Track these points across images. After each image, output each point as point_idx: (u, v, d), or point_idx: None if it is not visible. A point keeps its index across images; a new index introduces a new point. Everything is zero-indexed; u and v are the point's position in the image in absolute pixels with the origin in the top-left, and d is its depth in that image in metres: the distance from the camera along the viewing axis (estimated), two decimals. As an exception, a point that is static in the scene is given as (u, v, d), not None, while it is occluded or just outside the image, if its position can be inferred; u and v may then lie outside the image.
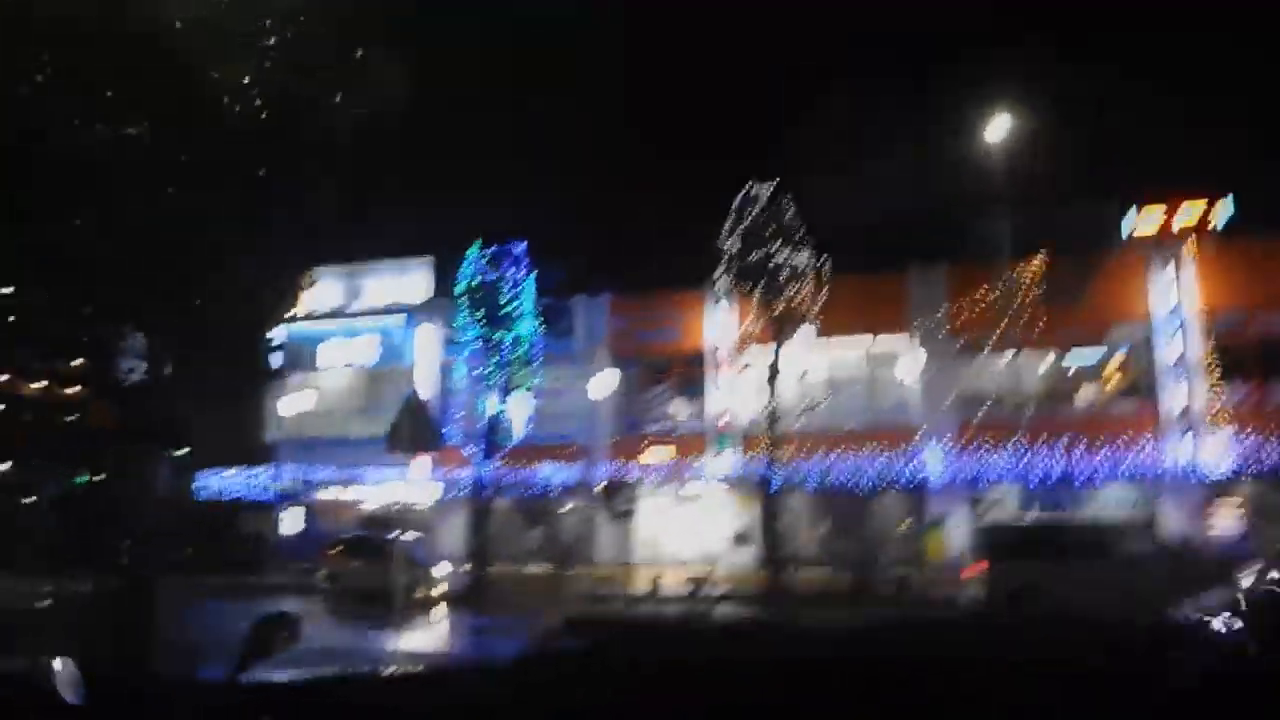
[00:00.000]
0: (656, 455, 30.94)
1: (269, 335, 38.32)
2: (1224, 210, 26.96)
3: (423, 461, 33.17)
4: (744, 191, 26.35)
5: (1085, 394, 28.48)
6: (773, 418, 26.34)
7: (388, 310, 35.83)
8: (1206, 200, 27.06)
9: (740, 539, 29.15)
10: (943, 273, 29.00)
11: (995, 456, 27.04)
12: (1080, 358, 28.74)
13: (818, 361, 28.20)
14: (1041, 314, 27.06)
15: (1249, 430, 25.21)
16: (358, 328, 36.34)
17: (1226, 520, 25.67)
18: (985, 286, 27.54)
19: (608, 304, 32.83)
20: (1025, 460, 26.54)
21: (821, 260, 26.05)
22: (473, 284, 29.63)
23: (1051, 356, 28.59)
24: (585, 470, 30.87)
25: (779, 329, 26.29)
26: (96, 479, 43.31)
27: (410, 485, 33.32)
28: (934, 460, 27.81)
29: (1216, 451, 25.50)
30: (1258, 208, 26.80)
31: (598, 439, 31.75)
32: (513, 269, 29.95)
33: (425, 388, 34.03)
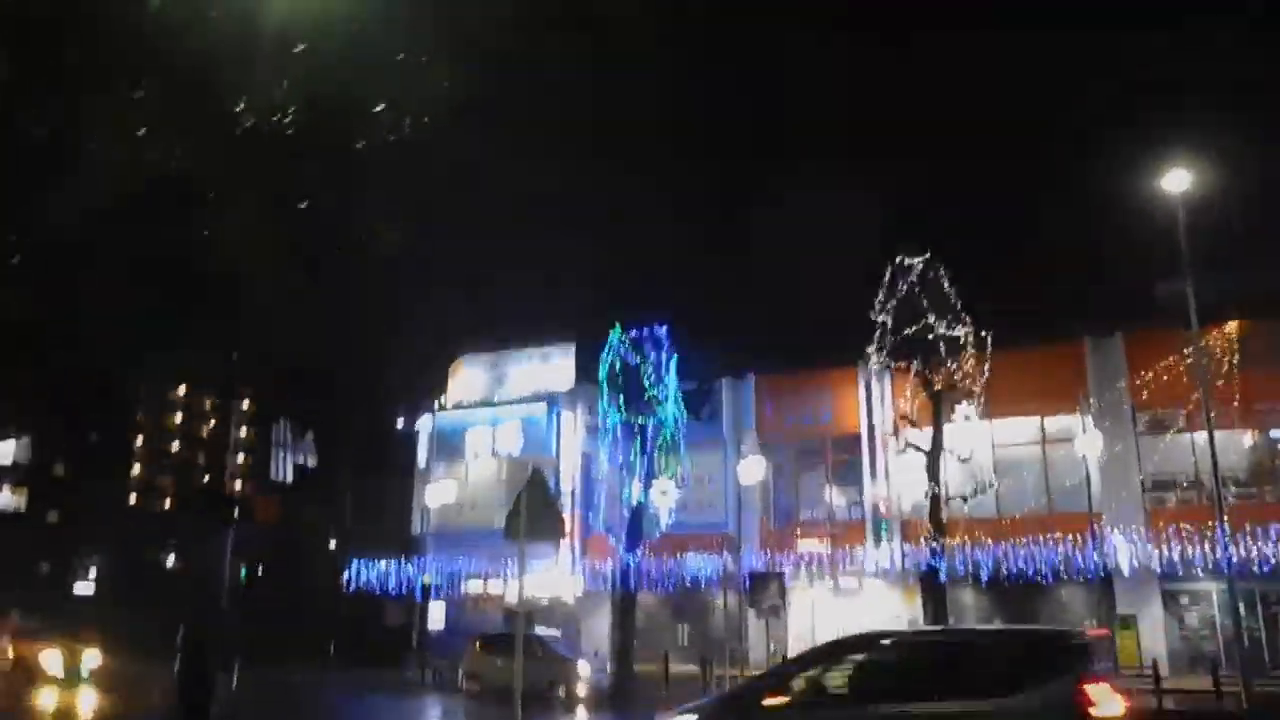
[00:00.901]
0: (810, 545, 29.21)
1: (415, 427, 38.95)
2: None
3: (566, 554, 32.44)
4: (895, 262, 25.11)
5: (1293, 474, 25.45)
6: (935, 503, 24.49)
7: (532, 398, 35.59)
8: None
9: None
10: (1120, 342, 26.69)
11: (1191, 545, 24.25)
12: (1283, 433, 25.81)
13: (984, 442, 26.23)
14: (1238, 386, 24.48)
15: None
16: (502, 416, 36.19)
17: None
18: (1171, 356, 25.19)
19: (754, 385, 31.66)
20: (1231, 549, 23.67)
21: (983, 333, 24.38)
22: (614, 368, 29.10)
23: (1252, 432, 25.76)
24: (733, 561, 29.36)
25: (939, 406, 24.62)
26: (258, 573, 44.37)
27: (556, 578, 32.47)
28: (1120, 549, 25.16)
29: None
30: None
31: (747, 528, 30.25)
32: (655, 351, 29.30)
33: (561, 474, 33.49)
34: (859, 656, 8.92)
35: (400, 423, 39.95)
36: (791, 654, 28.51)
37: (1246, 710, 19.44)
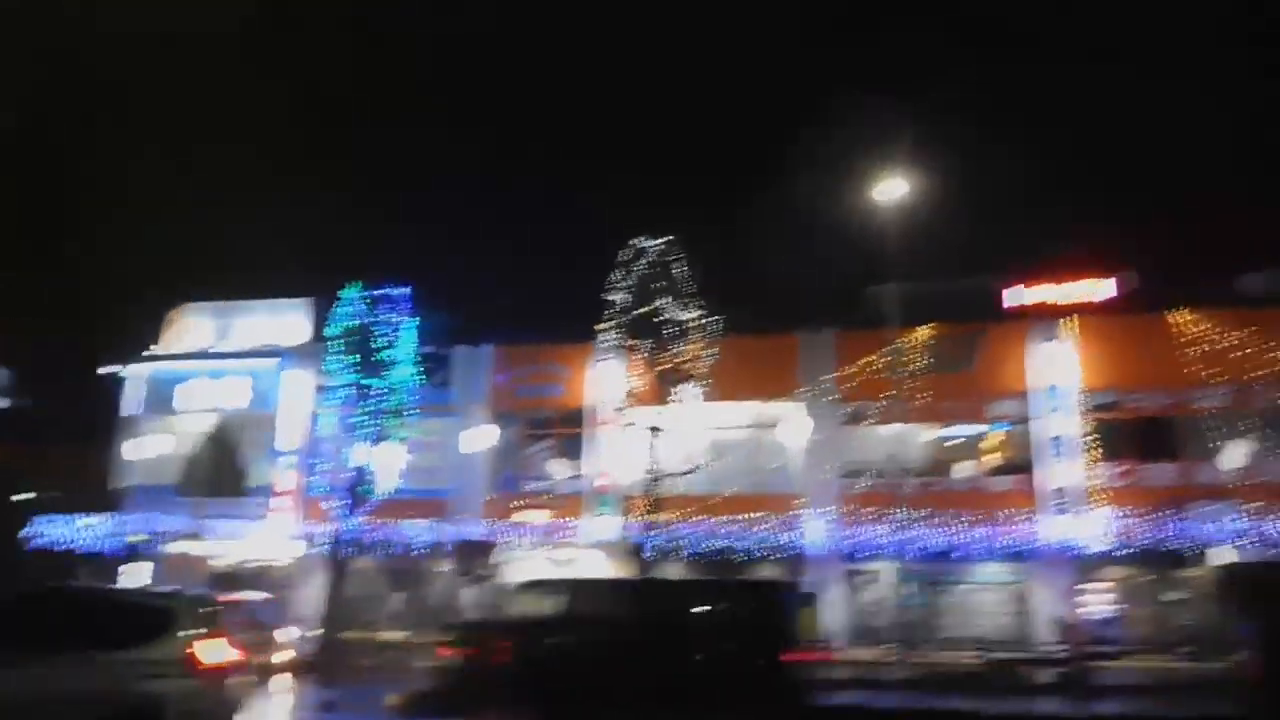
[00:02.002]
0: (531, 515, 29.54)
1: (125, 374, 36.14)
2: (1105, 289, 27.38)
3: (282, 515, 31.25)
4: (633, 244, 25.83)
5: (966, 467, 28.24)
6: (653, 479, 25.47)
7: (260, 353, 33.87)
8: (1090, 279, 27.50)
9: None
10: (831, 339, 28.66)
11: (875, 528, 26.47)
12: (963, 430, 28.59)
13: (703, 423, 27.49)
14: (927, 385, 26.93)
15: (1123, 510, 25.21)
16: (226, 369, 34.23)
17: (1097, 600, 25.50)
18: (873, 355, 27.35)
19: (490, 356, 31.59)
20: (905, 533, 26.06)
21: (711, 319, 25.54)
22: (348, 326, 28.28)
23: (935, 428, 28.40)
24: (455, 529, 29.24)
25: (665, 387, 25.59)
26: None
27: (270, 540, 31.16)
28: (814, 530, 27.09)
29: (1090, 530, 25.39)
30: (1140, 289, 27.29)
31: (471, 497, 30.22)
32: (392, 313, 28.70)
33: (284, 433, 32.20)
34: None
35: (111, 369, 36.95)
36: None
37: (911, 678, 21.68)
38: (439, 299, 29.65)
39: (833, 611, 26.97)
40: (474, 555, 25.05)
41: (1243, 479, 25.18)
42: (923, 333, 27.36)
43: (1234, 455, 25.93)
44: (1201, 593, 24.57)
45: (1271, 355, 24.85)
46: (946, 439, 28.58)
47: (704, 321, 25.47)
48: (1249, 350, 25.07)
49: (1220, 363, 25.27)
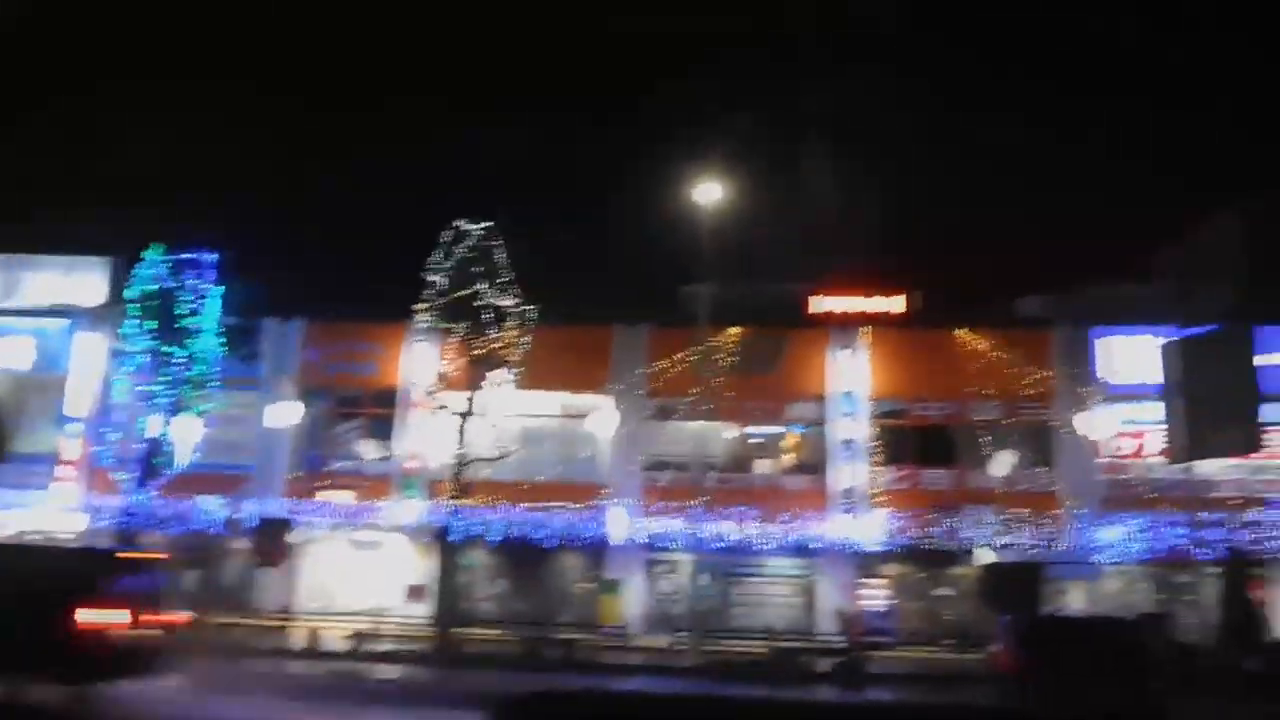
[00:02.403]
0: (335, 496, 29.00)
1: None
2: (897, 304, 29.14)
3: (68, 483, 29.54)
4: (455, 226, 25.76)
5: (764, 465, 29.53)
6: (461, 464, 25.51)
7: (49, 311, 31.80)
8: (884, 294, 29.20)
9: (416, 592, 27.79)
10: (645, 335, 29.36)
11: (676, 521, 27.36)
12: (763, 430, 29.86)
13: (514, 410, 27.71)
14: (732, 384, 28.01)
15: (902, 511, 26.98)
16: (9, 327, 31.99)
17: (875, 594, 27.20)
18: (683, 352, 28.22)
19: (301, 331, 30.73)
20: (703, 526, 27.07)
21: (527, 308, 25.76)
22: (149, 289, 27.03)
23: (738, 426, 29.55)
24: (253, 507, 28.38)
25: (478, 372, 25.64)
26: None
27: (53, 512, 29.36)
28: (618, 520, 27.75)
29: (872, 529, 27.05)
30: (928, 306, 29.16)
31: (274, 475, 29.39)
32: (198, 279, 27.61)
33: (72, 398, 30.44)
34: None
35: None
36: (302, 603, 28.32)
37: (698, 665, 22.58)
38: (249, 268, 28.69)
39: (632, 599, 27.79)
40: (269, 535, 24.41)
41: (1007, 486, 27.43)
42: (732, 334, 28.43)
43: (1001, 464, 28.15)
44: (966, 589, 26.61)
45: (1038, 374, 27.11)
46: (748, 437, 29.79)
47: (520, 309, 25.67)
48: (1019, 368, 27.30)
49: (994, 378, 27.43)
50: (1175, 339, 22.52)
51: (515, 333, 25.71)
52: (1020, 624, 18.97)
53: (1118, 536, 25.62)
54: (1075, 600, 25.65)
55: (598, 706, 6.46)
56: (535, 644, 24.22)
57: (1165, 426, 22.25)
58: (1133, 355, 27.45)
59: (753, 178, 32.10)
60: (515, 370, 25.79)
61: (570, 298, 27.54)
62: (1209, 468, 27.27)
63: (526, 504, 27.57)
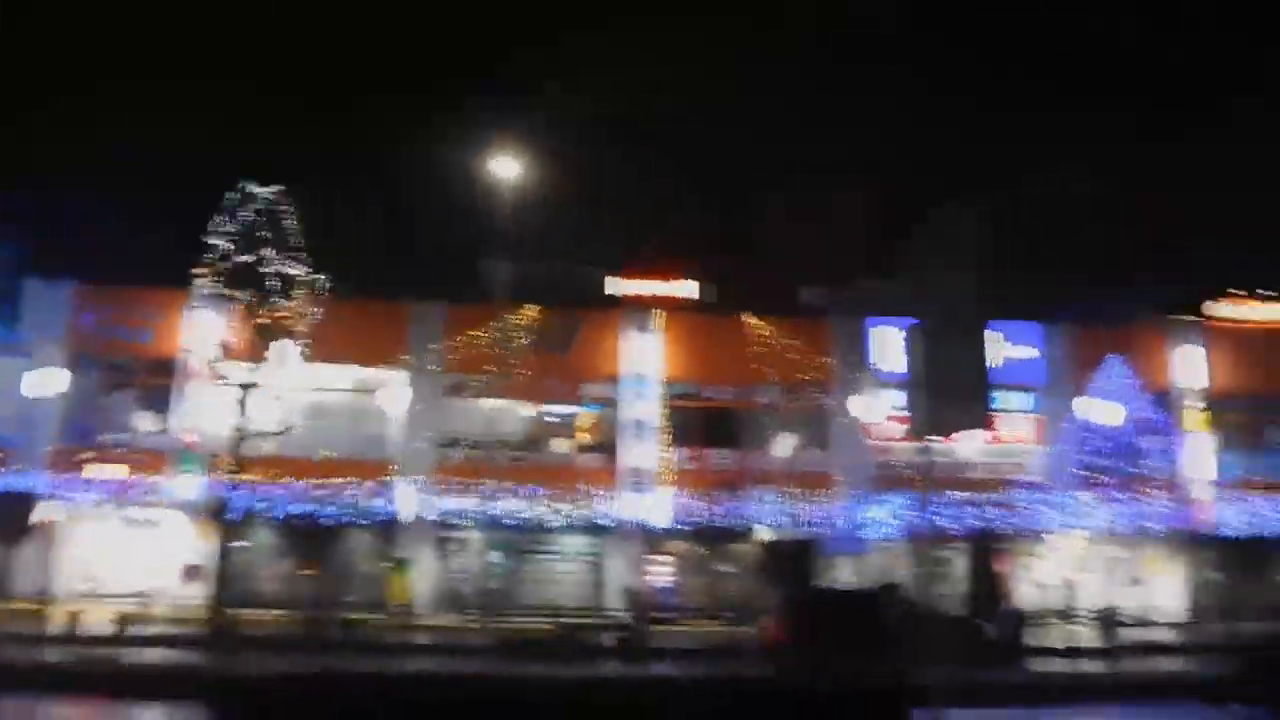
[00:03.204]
0: (104, 470, 27.23)
1: None
2: (693, 288, 30.00)
3: None
4: (241, 189, 24.58)
5: (557, 444, 29.81)
6: (242, 438, 24.44)
7: None
8: (678, 279, 29.99)
9: (192, 572, 26.52)
10: (442, 311, 29.00)
11: (468, 498, 27.24)
12: (557, 409, 30.12)
13: (302, 383, 26.81)
14: (528, 363, 28.09)
15: (688, 490, 27.87)
16: None
17: (661, 571, 28.01)
18: (480, 330, 28.05)
19: (70, 293, 28.61)
20: (495, 504, 27.08)
21: (318, 278, 24.92)
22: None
23: (532, 405, 29.67)
24: (9, 481, 26.27)
25: (263, 343, 24.61)
26: None
27: None
28: (407, 498, 27.37)
29: (659, 508, 27.80)
30: (719, 293, 30.17)
31: (34, 446, 27.27)
32: (-52, 235, 25.31)
33: None
34: None
35: None
36: (65, 585, 26.50)
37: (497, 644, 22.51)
38: (10, 223, 26.55)
39: (423, 578, 27.48)
40: (9, 512, 22.63)
41: (786, 467, 28.77)
42: (528, 312, 28.48)
43: (781, 446, 29.49)
44: (747, 565, 27.79)
45: (817, 361, 28.53)
46: (542, 416, 29.97)
47: (310, 278, 24.80)
48: (800, 355, 28.67)
49: (777, 365, 28.69)
50: (915, 325, 24.24)
51: (304, 303, 24.83)
52: (786, 598, 20.04)
53: (884, 515, 27.36)
54: (845, 575, 27.20)
55: (321, 687, 6.44)
56: (317, 624, 23.55)
57: (908, 407, 23.92)
58: (901, 345, 29.38)
59: (554, 158, 32.18)
60: (303, 342, 24.92)
61: (365, 269, 26.86)
62: (965, 450, 29.61)
63: (313, 480, 26.77)
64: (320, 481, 26.75)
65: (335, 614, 24.58)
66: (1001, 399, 29.87)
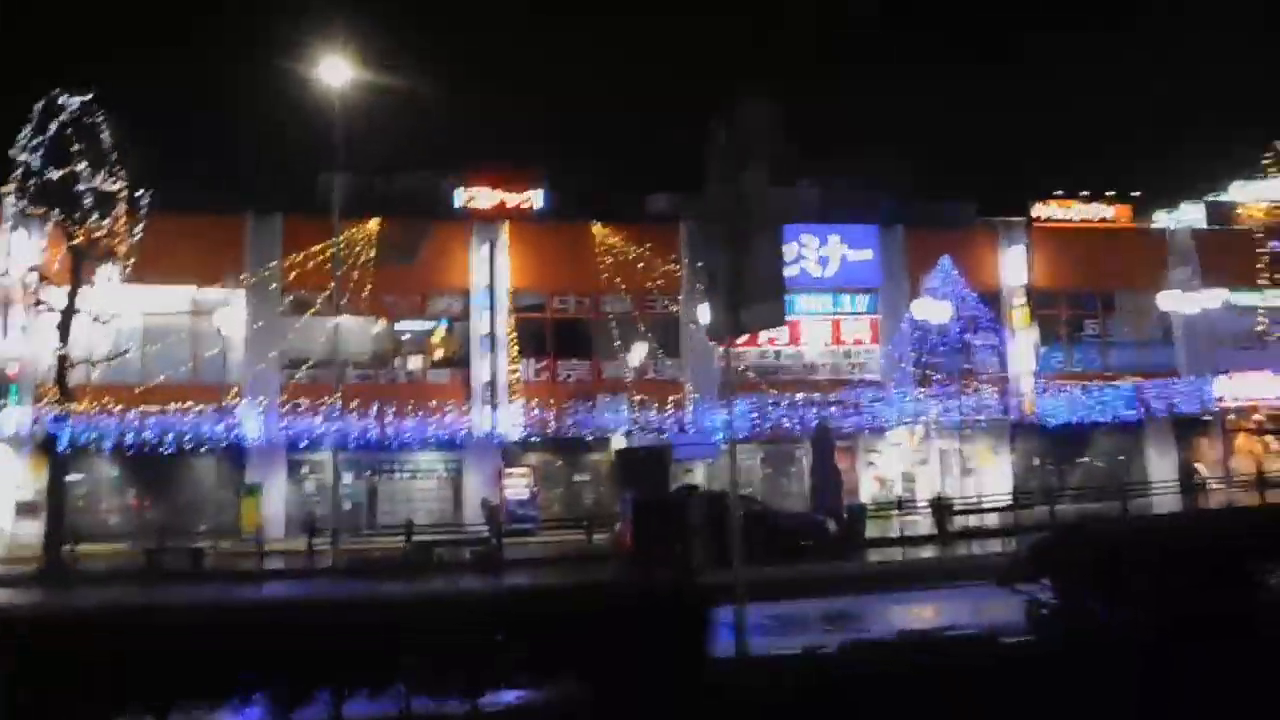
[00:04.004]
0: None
1: None
2: (538, 197, 29.56)
3: None
4: (51, 98, 22.72)
5: (408, 361, 29.33)
6: (67, 366, 23.06)
7: None
8: (525, 188, 29.47)
9: (26, 508, 25.25)
10: (280, 224, 27.80)
11: (317, 419, 26.59)
12: (407, 325, 29.55)
13: (130, 306, 25.39)
14: (373, 277, 27.32)
15: (542, 402, 27.92)
16: None
17: (517, 484, 28.19)
18: (321, 244, 26.98)
19: None
20: (346, 424, 26.50)
21: (141, 193, 23.41)
22: None
23: (380, 321, 29.01)
24: None
25: (78, 263, 23.09)
26: None
27: None
28: (253, 422, 26.54)
29: (513, 421, 27.81)
30: (566, 201, 29.83)
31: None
32: None
33: None
34: None
35: None
36: None
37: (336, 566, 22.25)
38: None
39: (274, 502, 26.88)
40: None
41: (638, 375, 29.16)
42: (371, 225, 27.60)
43: (633, 354, 29.80)
44: (603, 474, 28.25)
45: (666, 268, 28.74)
46: (390, 332, 29.36)
47: (132, 194, 23.29)
48: (649, 263, 28.81)
49: (626, 273, 28.78)
50: (704, 224, 24.45)
51: (124, 221, 23.33)
52: (633, 504, 20.54)
53: (733, 417, 28.06)
54: (698, 479, 27.94)
55: (143, 619, 6.27)
56: (161, 556, 22.81)
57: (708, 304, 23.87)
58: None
59: (393, 67, 30.89)
60: (126, 262, 23.50)
61: (195, 183, 25.41)
62: (811, 354, 30.61)
63: (150, 407, 25.62)
64: (158, 408, 25.62)
65: (182, 544, 23.89)
66: (840, 301, 31.02)
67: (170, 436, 25.84)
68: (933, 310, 28.09)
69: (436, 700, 5.60)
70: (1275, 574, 7.65)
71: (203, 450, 26.45)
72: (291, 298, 27.64)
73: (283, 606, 8.31)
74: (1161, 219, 35.39)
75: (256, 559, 23.67)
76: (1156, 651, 6.22)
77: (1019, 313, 31.60)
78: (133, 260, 23.81)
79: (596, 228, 29.15)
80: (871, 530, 24.15)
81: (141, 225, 23.44)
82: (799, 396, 28.34)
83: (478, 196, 29.15)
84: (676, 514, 20.48)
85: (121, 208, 23.22)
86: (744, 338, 29.27)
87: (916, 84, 72.96)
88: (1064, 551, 8.23)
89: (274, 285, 27.29)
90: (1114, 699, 6.04)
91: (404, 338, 29.50)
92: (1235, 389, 31.80)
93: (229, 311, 27.17)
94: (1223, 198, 35.51)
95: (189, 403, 26.04)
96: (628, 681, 5.89)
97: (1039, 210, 33.58)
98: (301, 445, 26.92)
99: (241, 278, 27.17)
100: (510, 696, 5.96)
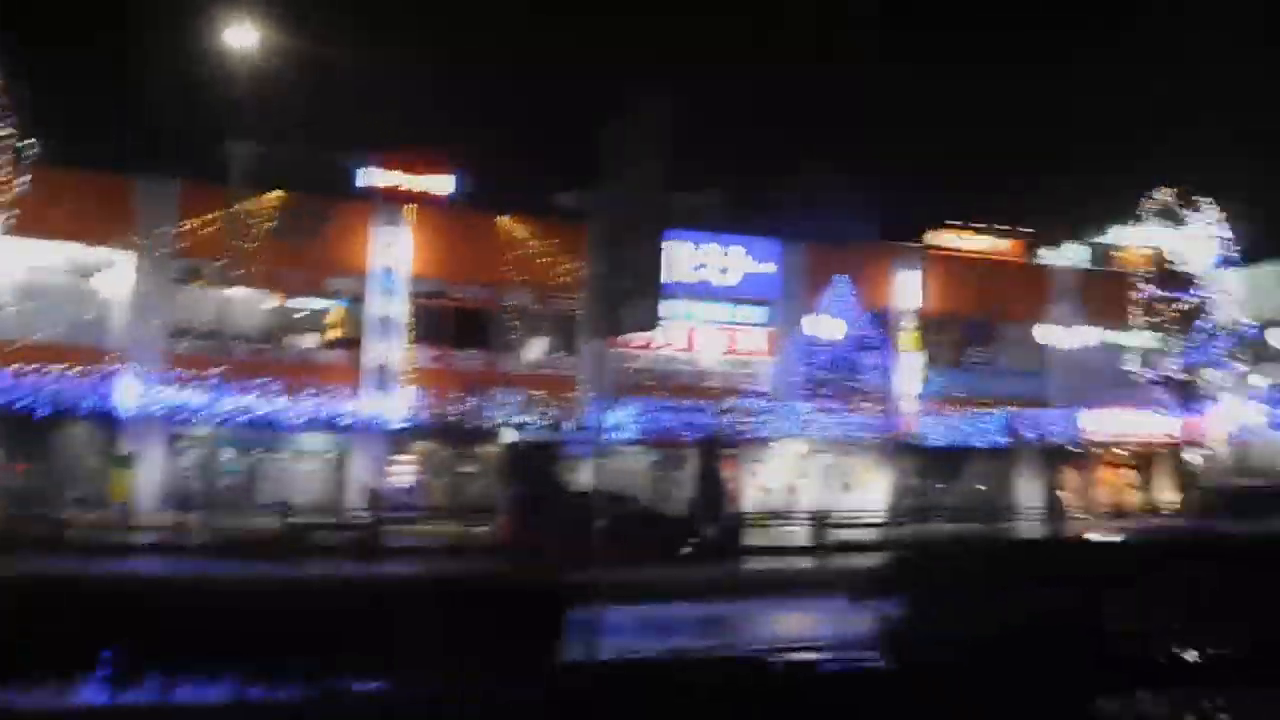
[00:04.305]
0: None
1: None
2: (447, 183, 29.25)
3: None
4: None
5: (301, 339, 28.74)
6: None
7: None
8: (434, 173, 29.15)
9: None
10: (175, 189, 26.96)
11: (200, 392, 25.87)
12: (303, 302, 28.97)
13: (11, 259, 24.36)
14: (270, 251, 26.69)
15: (434, 390, 27.67)
16: None
17: (403, 471, 27.93)
18: (217, 213, 26.28)
19: None
20: (232, 399, 25.87)
21: (25, 143, 22.52)
22: None
23: (274, 296, 28.39)
24: None
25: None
26: None
27: None
28: (131, 389, 25.66)
29: (404, 407, 27.52)
30: (475, 190, 29.65)
31: None
32: None
33: None
34: None
35: None
36: None
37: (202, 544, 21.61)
38: None
39: (150, 475, 26.05)
40: None
41: (533, 370, 29.18)
42: (272, 198, 26.95)
43: (529, 349, 29.80)
44: (490, 466, 28.15)
45: (570, 265, 28.81)
46: (284, 309, 28.74)
47: (14, 144, 22.39)
48: (553, 258, 28.82)
49: (529, 267, 28.76)
50: (592, 223, 24.51)
51: (10, 169, 22.43)
52: (514, 498, 20.63)
53: (625, 418, 28.32)
54: (585, 477, 28.07)
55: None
56: (19, 524, 21.90)
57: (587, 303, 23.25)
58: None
59: (304, 38, 30.19)
60: (9, 213, 22.59)
61: (88, 139, 24.46)
62: (706, 361, 31.08)
63: (17, 366, 24.55)
64: (28, 368, 24.57)
65: (47, 512, 23.01)
66: (738, 311, 31.56)
67: (43, 398, 24.83)
68: (825, 327, 28.82)
69: (272, 687, 5.61)
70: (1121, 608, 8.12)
71: (78, 415, 25.48)
72: (182, 266, 26.82)
73: (121, 582, 8.17)
74: (1051, 255, 36.95)
75: (121, 532, 22.94)
76: (973, 670, 6.60)
77: (908, 335, 32.62)
78: (16, 212, 22.91)
79: (503, 219, 29.04)
80: (752, 539, 24.60)
81: (27, 176, 22.57)
82: (688, 402, 28.71)
83: (385, 178, 28.69)
84: (555, 510, 20.68)
85: (7, 156, 22.36)
86: (642, 339, 29.86)
87: (836, 101, 74.55)
88: (913, 571, 8.63)
89: (164, 250, 26.43)
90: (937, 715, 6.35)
91: (298, 315, 28.89)
92: (1101, 423, 33.44)
93: (115, 274, 26.27)
94: (1106, 240, 37.27)
95: (65, 364, 25.05)
96: (471, 675, 6.01)
97: (936, 238, 34.73)
98: (182, 418, 26.08)
99: (130, 240, 26.23)
100: (352, 684, 6.01)
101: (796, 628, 12.19)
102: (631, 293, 8.10)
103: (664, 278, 8.41)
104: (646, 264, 8.12)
